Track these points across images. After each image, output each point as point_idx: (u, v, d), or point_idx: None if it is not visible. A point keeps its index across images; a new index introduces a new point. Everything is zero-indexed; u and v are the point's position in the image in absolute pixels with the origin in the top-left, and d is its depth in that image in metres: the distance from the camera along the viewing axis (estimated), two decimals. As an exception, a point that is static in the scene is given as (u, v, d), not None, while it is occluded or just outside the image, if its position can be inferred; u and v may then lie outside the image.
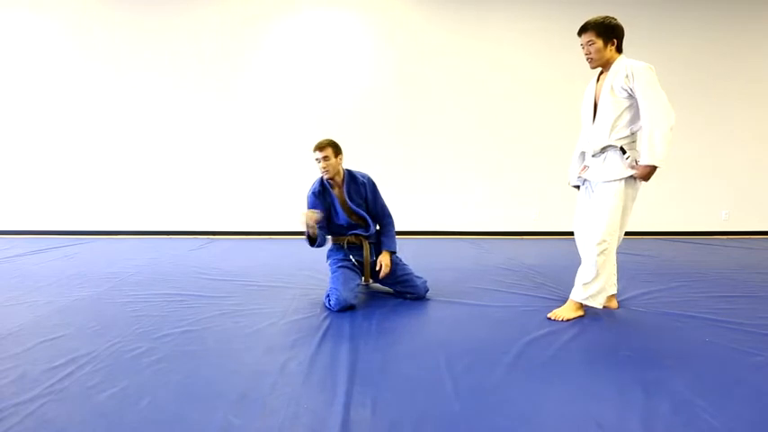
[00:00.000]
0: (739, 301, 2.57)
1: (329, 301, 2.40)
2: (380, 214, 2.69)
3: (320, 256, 3.81)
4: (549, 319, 2.25)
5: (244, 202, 4.95)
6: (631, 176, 2.16)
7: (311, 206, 2.53)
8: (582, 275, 2.27)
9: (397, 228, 4.93)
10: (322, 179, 2.57)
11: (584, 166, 2.36)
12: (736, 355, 1.83)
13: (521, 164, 5.01)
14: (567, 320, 2.22)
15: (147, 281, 2.92)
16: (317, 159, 2.47)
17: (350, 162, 4.88)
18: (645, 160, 2.10)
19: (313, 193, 2.57)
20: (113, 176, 4.89)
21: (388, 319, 2.20)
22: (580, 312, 2.28)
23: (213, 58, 4.80)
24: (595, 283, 2.22)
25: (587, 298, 2.24)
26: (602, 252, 2.19)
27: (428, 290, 2.64)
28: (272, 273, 3.16)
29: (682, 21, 4.96)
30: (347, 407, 1.42)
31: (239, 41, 4.80)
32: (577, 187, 2.49)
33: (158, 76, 4.80)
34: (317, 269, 3.27)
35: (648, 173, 2.13)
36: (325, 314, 2.31)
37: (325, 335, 2.03)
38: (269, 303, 2.47)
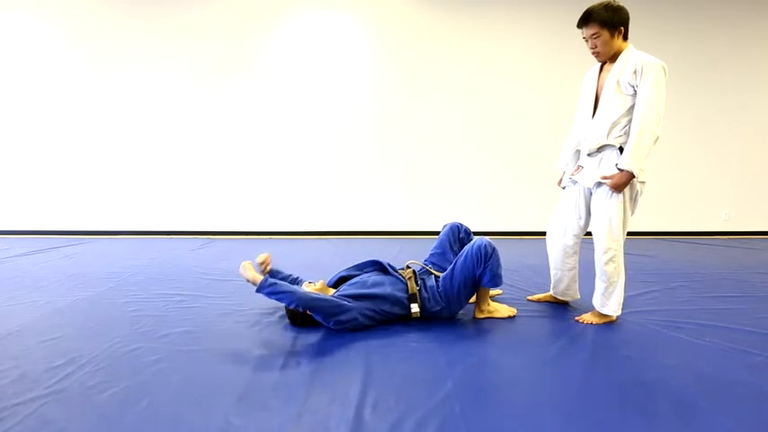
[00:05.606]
0: (739, 301, 2.57)
1: None
2: None
3: (320, 256, 3.83)
4: (577, 321, 2.20)
5: (244, 202, 4.95)
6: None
7: None
8: (597, 285, 2.17)
9: (397, 228, 5.02)
10: None
11: (578, 167, 2.23)
12: (736, 355, 1.83)
13: (521, 164, 5.00)
14: (596, 324, 2.16)
15: (147, 281, 2.92)
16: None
17: (349, 161, 4.92)
18: (627, 164, 1.94)
19: None
20: (113, 176, 4.89)
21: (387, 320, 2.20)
22: (608, 318, 2.19)
23: (212, 59, 4.79)
24: (610, 293, 2.13)
25: (603, 307, 2.15)
26: (609, 260, 2.08)
27: None
28: (272, 273, 3.15)
29: (681, 19, 4.95)
30: (348, 407, 1.42)
31: (239, 42, 4.80)
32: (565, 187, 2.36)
33: (158, 76, 4.79)
34: (317, 269, 3.27)
35: (625, 181, 1.97)
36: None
37: (325, 335, 2.03)
38: (269, 303, 2.46)
